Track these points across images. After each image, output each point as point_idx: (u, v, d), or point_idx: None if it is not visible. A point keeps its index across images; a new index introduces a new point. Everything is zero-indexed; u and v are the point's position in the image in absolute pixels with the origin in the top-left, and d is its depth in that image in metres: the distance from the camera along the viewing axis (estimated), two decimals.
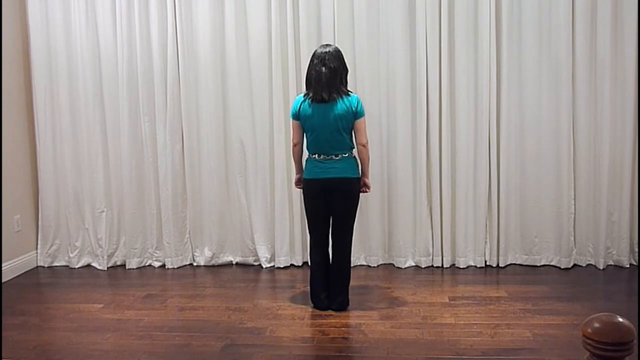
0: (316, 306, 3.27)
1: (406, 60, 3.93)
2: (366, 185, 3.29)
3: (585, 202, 3.93)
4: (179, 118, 4.13)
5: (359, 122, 3.13)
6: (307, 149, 3.24)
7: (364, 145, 3.16)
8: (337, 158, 3.14)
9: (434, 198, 4.01)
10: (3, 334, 2.99)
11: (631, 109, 3.81)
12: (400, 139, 3.99)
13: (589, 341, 1.13)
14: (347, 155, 3.16)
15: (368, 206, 4.04)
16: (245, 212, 4.19)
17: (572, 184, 3.91)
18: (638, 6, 3.69)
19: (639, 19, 3.69)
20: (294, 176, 3.46)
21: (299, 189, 3.47)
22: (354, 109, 3.10)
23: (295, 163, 3.35)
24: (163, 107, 4.11)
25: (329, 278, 3.28)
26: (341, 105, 3.08)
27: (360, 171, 3.24)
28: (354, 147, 3.22)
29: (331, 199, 3.19)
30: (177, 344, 2.85)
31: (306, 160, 3.26)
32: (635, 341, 1.12)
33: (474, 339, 2.80)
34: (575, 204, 3.94)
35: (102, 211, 4.24)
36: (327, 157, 3.14)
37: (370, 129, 3.98)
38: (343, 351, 2.73)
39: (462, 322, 3.02)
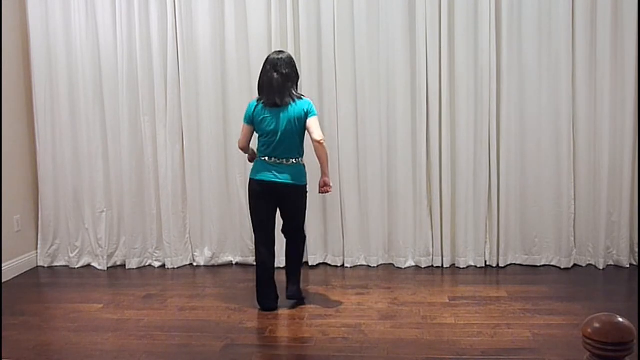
0: (263, 307, 3.26)
1: (406, 60, 3.92)
2: (326, 184, 3.22)
3: (585, 202, 3.92)
4: (179, 118, 4.13)
5: (310, 120, 3.14)
6: (259, 152, 3.25)
7: (319, 142, 3.10)
8: (287, 163, 3.15)
9: (434, 198, 4.01)
10: (3, 334, 2.99)
11: (631, 109, 3.80)
12: (400, 139, 3.98)
13: (589, 341, 1.13)
14: (296, 162, 3.18)
15: (368, 206, 4.04)
16: (245, 212, 4.17)
17: (572, 184, 3.91)
18: (638, 6, 3.69)
19: (639, 19, 3.69)
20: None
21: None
22: (305, 110, 3.13)
23: (245, 153, 3.38)
24: (163, 107, 4.11)
25: (274, 276, 3.30)
26: (294, 109, 3.12)
27: (307, 179, 3.25)
28: (303, 154, 3.24)
29: (279, 203, 3.25)
30: (177, 344, 2.85)
31: (255, 161, 3.26)
32: (635, 341, 1.12)
33: (474, 339, 2.80)
34: (575, 204, 3.93)
35: (102, 211, 4.24)
36: (278, 162, 3.15)
37: (370, 129, 4.00)
38: (343, 351, 2.73)
39: (462, 322, 3.02)
